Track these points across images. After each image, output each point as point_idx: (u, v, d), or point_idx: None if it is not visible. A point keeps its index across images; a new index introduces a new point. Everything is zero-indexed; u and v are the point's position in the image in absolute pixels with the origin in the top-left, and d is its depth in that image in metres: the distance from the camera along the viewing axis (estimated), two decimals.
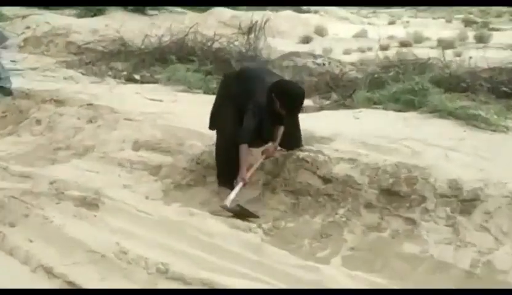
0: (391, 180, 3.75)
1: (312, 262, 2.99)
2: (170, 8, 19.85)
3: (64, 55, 10.48)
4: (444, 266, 3.01)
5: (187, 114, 5.87)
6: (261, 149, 4.12)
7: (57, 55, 10.53)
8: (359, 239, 3.33)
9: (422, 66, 7.82)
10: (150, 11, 18.67)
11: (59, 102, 5.91)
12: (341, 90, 7.78)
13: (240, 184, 3.76)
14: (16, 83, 7.22)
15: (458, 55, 14.43)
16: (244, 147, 3.79)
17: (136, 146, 4.76)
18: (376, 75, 7.68)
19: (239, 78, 4.12)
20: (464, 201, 3.49)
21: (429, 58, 8.11)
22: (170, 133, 5.02)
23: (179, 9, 20.34)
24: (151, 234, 3.25)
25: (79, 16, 16.55)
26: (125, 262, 2.93)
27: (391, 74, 7.62)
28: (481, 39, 15.43)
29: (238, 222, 3.45)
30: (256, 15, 11.02)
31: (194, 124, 5.36)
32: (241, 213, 3.65)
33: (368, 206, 3.63)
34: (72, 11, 17.78)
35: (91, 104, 5.81)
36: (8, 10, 18.03)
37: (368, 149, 4.45)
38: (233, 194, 3.70)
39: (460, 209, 3.46)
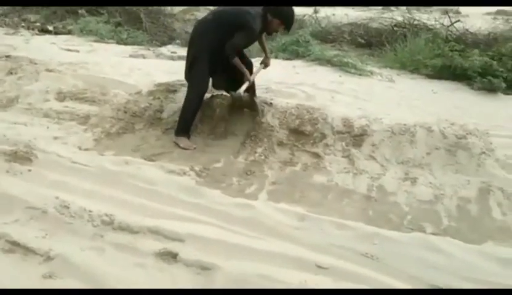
0: (297, 122, 3.46)
1: (243, 199, 2.64)
2: None
3: None
4: (348, 192, 2.85)
5: (105, 63, 5.00)
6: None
7: None
8: (277, 174, 3.03)
9: (300, 22, 7.51)
10: None
11: None
12: None
13: (247, 82, 3.36)
14: None
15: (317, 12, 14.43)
16: (237, 59, 3.29)
17: (61, 96, 3.88)
18: None
19: (219, 19, 3.36)
20: (355, 136, 3.34)
21: (304, 15, 7.83)
22: (92, 82, 4.19)
23: None
24: (90, 185, 2.63)
25: None
26: (68, 216, 2.33)
27: None
28: None
29: (171, 166, 2.94)
30: None
31: (114, 73, 4.57)
32: (249, 105, 3.44)
33: (281, 144, 3.33)
34: None
35: (9, 56, 4.65)
36: None
37: (273, 94, 4.12)
38: (243, 88, 3.35)
39: (352, 143, 3.31)
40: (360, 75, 5.23)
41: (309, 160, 3.18)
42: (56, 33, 7.39)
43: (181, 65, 5.13)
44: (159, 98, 3.86)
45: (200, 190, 2.68)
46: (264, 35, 3.62)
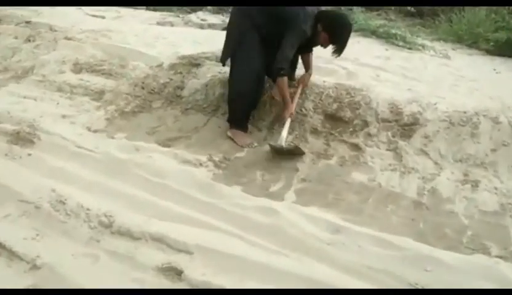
0: (335, 106, 2.94)
1: (267, 200, 2.21)
2: None
3: None
4: (393, 196, 2.35)
5: (129, 31, 4.59)
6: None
7: None
8: (308, 168, 2.57)
9: None
10: None
11: None
12: None
13: (289, 120, 2.72)
14: None
15: None
16: (285, 80, 2.70)
17: (77, 68, 3.53)
18: None
19: (271, 9, 2.70)
20: (404, 126, 2.79)
21: None
22: (112, 53, 3.81)
23: None
24: (92, 176, 2.27)
25: None
26: (63, 214, 1.99)
27: None
28: None
29: (187, 155, 2.54)
30: None
31: (137, 43, 4.15)
32: (294, 151, 2.63)
33: (314, 132, 2.85)
34: None
35: (29, 22, 4.34)
36: None
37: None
38: (285, 132, 2.65)
39: (400, 133, 2.77)
40: (409, 49, 4.56)
41: (347, 153, 2.68)
42: None
43: (210, 34, 4.70)
44: (180, 73, 3.42)
45: (216, 187, 2.27)
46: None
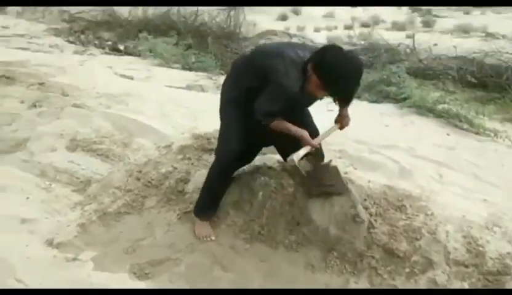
0: (384, 229, 2.04)
1: None
2: None
3: (57, 23, 8.24)
4: None
5: (151, 96, 4.01)
6: None
7: (50, 22, 8.27)
8: None
9: (392, 53, 5.93)
10: None
11: (9, 79, 3.96)
12: None
13: (307, 148, 1.96)
14: None
15: (409, 36, 12.74)
16: (279, 122, 1.95)
17: (73, 145, 2.90)
18: None
19: (250, 59, 2.05)
20: (488, 274, 1.83)
21: (399, 44, 6.21)
22: (119, 126, 3.17)
23: None
24: None
25: None
26: None
27: (363, 59, 5.76)
28: (427, 24, 13.74)
29: None
30: None
31: (153, 112, 3.53)
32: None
33: (351, 265, 1.95)
34: None
35: (42, 83, 3.87)
36: None
37: (348, 161, 2.75)
38: (302, 152, 1.96)
39: (482, 284, 1.81)
40: (477, 134, 3.60)
41: None
42: (126, 53, 6.75)
43: None
44: (189, 159, 2.69)
45: None
46: None
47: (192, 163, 2.67)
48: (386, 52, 5.73)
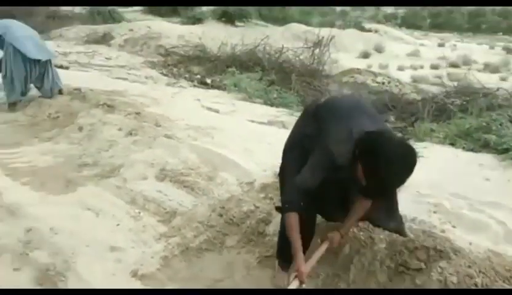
0: None
1: None
2: (255, 21, 18.13)
3: (153, 56, 8.99)
4: None
5: (235, 130, 4.10)
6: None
7: (148, 55, 9.05)
8: None
9: (491, 97, 5.42)
10: (238, 22, 17.03)
11: (110, 107, 4.33)
12: (400, 111, 5.64)
13: (295, 282, 1.72)
14: (93, 80, 5.80)
15: (504, 79, 11.84)
16: (291, 219, 1.78)
17: (162, 175, 3.02)
18: (438, 102, 5.41)
19: (318, 111, 1.91)
20: None
21: (498, 88, 5.68)
22: (205, 159, 3.25)
23: (262, 22, 18.57)
24: None
25: (182, 23, 15.21)
26: None
27: (457, 102, 5.35)
28: None
29: None
30: (324, 31, 8.89)
31: (236, 147, 3.57)
32: None
33: None
34: (177, 19, 16.49)
35: (138, 113, 4.16)
36: (128, 13, 17.09)
37: (445, 218, 2.47)
38: (292, 287, 1.73)
39: None
40: None
41: None
42: (213, 86, 7.10)
43: None
44: (270, 199, 2.64)
45: None
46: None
47: (273, 203, 2.60)
48: (483, 96, 5.25)
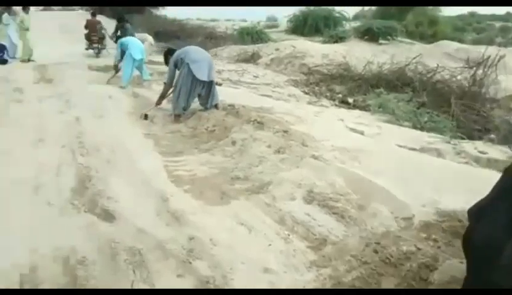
0: None
1: None
2: (400, 38, 17.19)
3: (297, 75, 9.17)
4: None
5: (385, 155, 3.80)
6: None
7: (291, 74, 9.27)
8: None
9: None
10: (382, 40, 16.37)
11: (260, 124, 4.48)
12: None
13: None
14: (243, 97, 6.16)
15: None
16: None
17: (310, 197, 2.94)
18: None
19: None
20: None
21: None
22: (354, 184, 3.07)
23: (407, 40, 17.51)
24: None
25: (323, 42, 15.33)
26: None
27: None
28: None
29: None
30: (488, 50, 7.80)
31: (388, 175, 3.28)
32: None
33: None
34: (319, 38, 16.69)
35: (286, 131, 4.20)
36: (273, 34, 18.01)
37: None
38: None
39: None
40: None
41: None
42: (354, 106, 6.85)
43: (489, 176, 3.31)
44: (435, 241, 2.30)
45: None
46: None
47: (439, 247, 2.27)
48: None
